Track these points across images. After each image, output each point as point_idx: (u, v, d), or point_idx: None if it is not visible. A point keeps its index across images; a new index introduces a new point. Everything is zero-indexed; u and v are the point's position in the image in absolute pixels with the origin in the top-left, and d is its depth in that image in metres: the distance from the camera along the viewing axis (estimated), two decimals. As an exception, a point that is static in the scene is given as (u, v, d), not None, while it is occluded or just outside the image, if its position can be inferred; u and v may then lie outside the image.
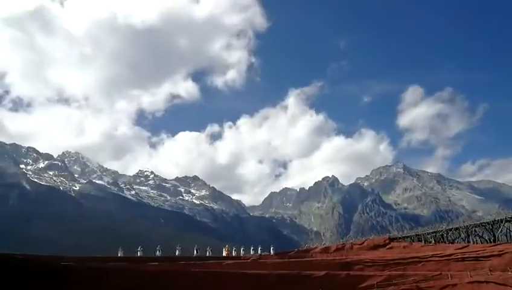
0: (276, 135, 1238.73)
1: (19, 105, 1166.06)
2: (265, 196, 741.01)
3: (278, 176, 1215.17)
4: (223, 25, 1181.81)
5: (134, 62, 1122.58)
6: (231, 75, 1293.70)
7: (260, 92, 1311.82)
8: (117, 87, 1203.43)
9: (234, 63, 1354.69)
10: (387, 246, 59.21)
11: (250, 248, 60.78)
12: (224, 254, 59.18)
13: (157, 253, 51.57)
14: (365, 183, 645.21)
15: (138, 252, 51.69)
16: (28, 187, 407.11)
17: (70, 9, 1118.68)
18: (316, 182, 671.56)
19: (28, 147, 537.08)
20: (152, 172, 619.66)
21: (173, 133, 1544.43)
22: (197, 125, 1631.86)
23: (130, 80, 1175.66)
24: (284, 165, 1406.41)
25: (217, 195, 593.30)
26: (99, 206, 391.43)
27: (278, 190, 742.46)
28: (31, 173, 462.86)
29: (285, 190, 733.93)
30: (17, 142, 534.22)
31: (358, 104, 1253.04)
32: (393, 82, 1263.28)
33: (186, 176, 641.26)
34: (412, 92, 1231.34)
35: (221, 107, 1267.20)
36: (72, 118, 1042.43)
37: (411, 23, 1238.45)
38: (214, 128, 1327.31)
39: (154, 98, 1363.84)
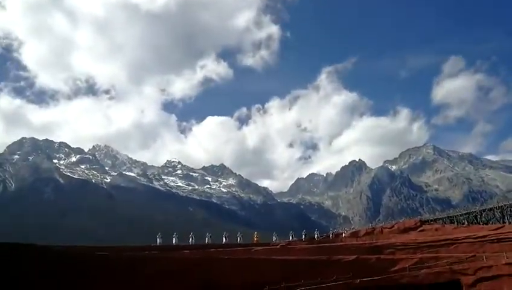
0: (307, 116, 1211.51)
1: (43, 96, 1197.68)
2: (295, 180, 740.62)
3: (307, 159, 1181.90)
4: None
5: (160, 46, 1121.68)
6: (261, 52, 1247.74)
7: (291, 70, 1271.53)
8: (144, 73, 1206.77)
9: (264, 39, 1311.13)
10: (419, 229, 58.15)
11: (289, 234, 61.72)
12: (254, 240, 59.85)
13: (190, 240, 52.37)
14: (394, 166, 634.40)
15: (174, 239, 52.78)
16: (61, 181, 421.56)
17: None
18: (342, 167, 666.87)
19: (60, 142, 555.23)
20: (179, 162, 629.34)
21: (202, 118, 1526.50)
22: (226, 109, 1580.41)
23: (157, 66, 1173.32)
24: (314, 147, 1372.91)
25: (244, 183, 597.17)
26: (130, 198, 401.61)
27: (304, 176, 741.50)
28: (63, 167, 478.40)
29: (312, 175, 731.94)
30: (49, 138, 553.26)
31: (395, 80, 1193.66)
32: (434, 54, 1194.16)
33: (212, 165, 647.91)
34: (452, 64, 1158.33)
35: (250, 88, 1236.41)
36: (99, 107, 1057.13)
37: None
38: (242, 111, 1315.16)
39: (182, 83, 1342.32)
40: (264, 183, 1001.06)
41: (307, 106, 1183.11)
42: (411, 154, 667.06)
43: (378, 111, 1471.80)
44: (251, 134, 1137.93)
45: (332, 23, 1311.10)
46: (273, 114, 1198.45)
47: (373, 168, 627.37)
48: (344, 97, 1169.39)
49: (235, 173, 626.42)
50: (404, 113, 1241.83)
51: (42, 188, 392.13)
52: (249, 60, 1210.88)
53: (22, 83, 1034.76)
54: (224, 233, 56.83)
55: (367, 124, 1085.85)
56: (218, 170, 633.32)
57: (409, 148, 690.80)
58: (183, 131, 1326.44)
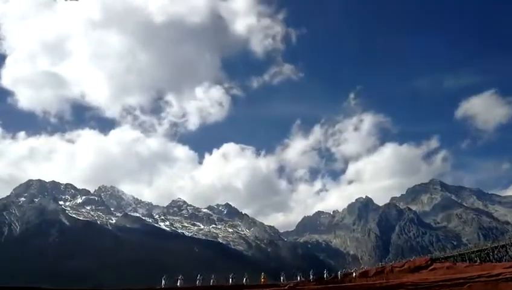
0: (330, 142, 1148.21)
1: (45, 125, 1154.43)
2: (302, 218, 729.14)
3: (322, 189, 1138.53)
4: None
5: (177, 67, 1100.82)
6: (287, 71, 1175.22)
7: (318, 91, 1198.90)
8: (155, 97, 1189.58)
9: (292, 55, 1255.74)
10: (430, 268, 57.01)
11: (297, 274, 60.48)
12: (262, 281, 58.69)
13: (197, 282, 51.49)
14: (401, 203, 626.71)
15: (179, 281, 51.77)
16: (67, 223, 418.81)
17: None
18: (349, 204, 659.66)
19: (67, 184, 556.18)
20: (185, 201, 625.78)
21: (218, 145, 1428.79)
22: (245, 134, 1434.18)
23: (167, 88, 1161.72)
24: (334, 176, 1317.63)
25: (249, 222, 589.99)
26: (135, 238, 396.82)
27: (311, 214, 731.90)
28: (69, 208, 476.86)
29: (319, 213, 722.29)
30: (55, 180, 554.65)
31: (429, 101, 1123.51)
32: (472, 76, 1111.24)
33: (218, 204, 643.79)
34: (487, 88, 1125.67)
35: (271, 111, 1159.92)
36: (104, 138, 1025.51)
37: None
38: (261, 136, 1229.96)
39: (200, 106, 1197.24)
40: (279, 216, 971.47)
41: (330, 131, 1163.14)
42: (418, 191, 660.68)
43: (407, 136, 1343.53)
44: (269, 162, 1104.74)
45: (364, 41, 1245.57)
46: (294, 141, 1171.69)
47: (380, 205, 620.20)
48: (372, 121, 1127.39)
49: (241, 212, 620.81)
50: (434, 139, 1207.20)
51: (47, 230, 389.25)
52: (272, 80, 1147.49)
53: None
54: (231, 275, 55.88)
55: (389, 151, 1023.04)
56: (224, 209, 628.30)
57: (415, 185, 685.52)
58: (199, 159, 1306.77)
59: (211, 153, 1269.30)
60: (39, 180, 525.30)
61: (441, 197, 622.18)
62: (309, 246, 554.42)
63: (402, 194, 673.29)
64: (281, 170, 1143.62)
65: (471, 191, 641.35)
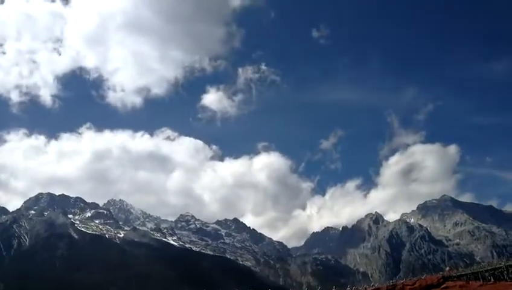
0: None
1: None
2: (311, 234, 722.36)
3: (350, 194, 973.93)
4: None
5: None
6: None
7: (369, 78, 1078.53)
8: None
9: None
10: (442, 286, 55.83)
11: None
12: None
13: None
14: (411, 219, 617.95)
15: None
16: (75, 236, 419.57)
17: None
18: (358, 220, 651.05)
19: (76, 197, 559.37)
20: (193, 216, 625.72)
21: (244, 144, 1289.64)
22: (271, 131, 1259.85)
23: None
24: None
25: (257, 237, 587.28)
26: (142, 253, 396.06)
27: (319, 230, 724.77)
28: (78, 222, 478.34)
29: (328, 229, 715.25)
30: (65, 193, 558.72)
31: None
32: None
33: (226, 219, 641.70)
34: None
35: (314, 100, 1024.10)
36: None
37: None
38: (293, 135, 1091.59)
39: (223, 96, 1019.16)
40: (297, 223, 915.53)
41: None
42: (429, 207, 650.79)
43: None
44: (297, 161, 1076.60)
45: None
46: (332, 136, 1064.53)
47: (390, 221, 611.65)
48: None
49: (249, 227, 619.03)
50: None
51: (56, 243, 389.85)
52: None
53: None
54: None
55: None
56: (232, 224, 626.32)
57: (426, 201, 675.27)
58: (222, 157, 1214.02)
59: (234, 152, 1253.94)
60: (49, 193, 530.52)
61: (452, 213, 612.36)
62: (318, 262, 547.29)
63: (412, 210, 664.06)
64: (311, 170, 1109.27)
65: (484, 207, 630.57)
